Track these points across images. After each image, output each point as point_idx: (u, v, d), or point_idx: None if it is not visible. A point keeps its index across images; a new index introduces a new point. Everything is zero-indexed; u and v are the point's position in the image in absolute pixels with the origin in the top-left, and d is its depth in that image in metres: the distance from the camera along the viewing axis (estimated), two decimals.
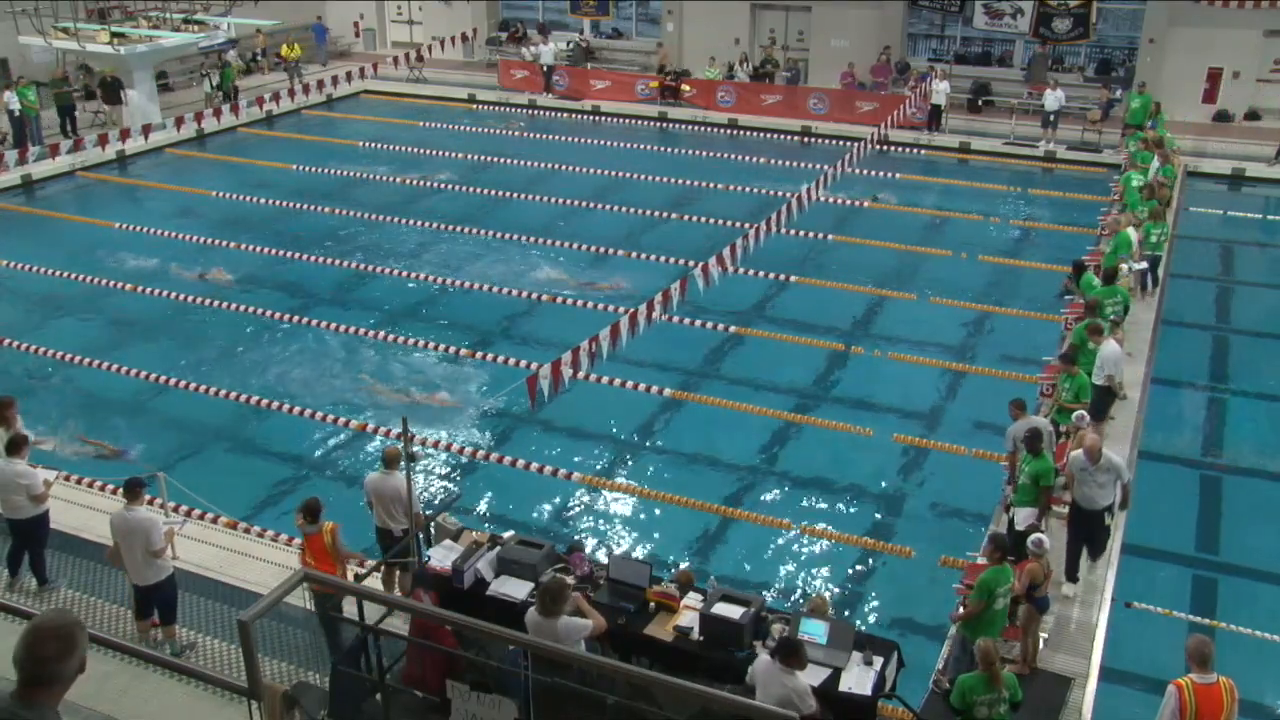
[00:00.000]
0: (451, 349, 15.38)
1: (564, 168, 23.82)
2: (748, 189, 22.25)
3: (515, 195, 22.04)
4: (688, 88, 28.39)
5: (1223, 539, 11.67)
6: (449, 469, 12.77)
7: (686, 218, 20.83)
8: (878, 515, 11.84)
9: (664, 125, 27.79)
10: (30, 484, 9.42)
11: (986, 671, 7.34)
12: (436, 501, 11.83)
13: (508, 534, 9.34)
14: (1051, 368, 12.86)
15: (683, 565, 10.47)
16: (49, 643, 3.20)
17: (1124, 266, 14.91)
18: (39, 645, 3.19)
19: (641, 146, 26.15)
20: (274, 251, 18.98)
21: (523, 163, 24.22)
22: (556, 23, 33.41)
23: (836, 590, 10.68)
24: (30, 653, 3.19)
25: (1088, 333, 12.30)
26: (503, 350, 15.38)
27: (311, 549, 8.76)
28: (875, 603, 10.53)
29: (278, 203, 21.71)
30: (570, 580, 8.42)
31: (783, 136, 26.49)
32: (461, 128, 27.40)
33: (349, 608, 7.10)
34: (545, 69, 29.21)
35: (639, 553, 10.96)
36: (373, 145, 25.55)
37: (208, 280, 17.65)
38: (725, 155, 25.08)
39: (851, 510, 11.90)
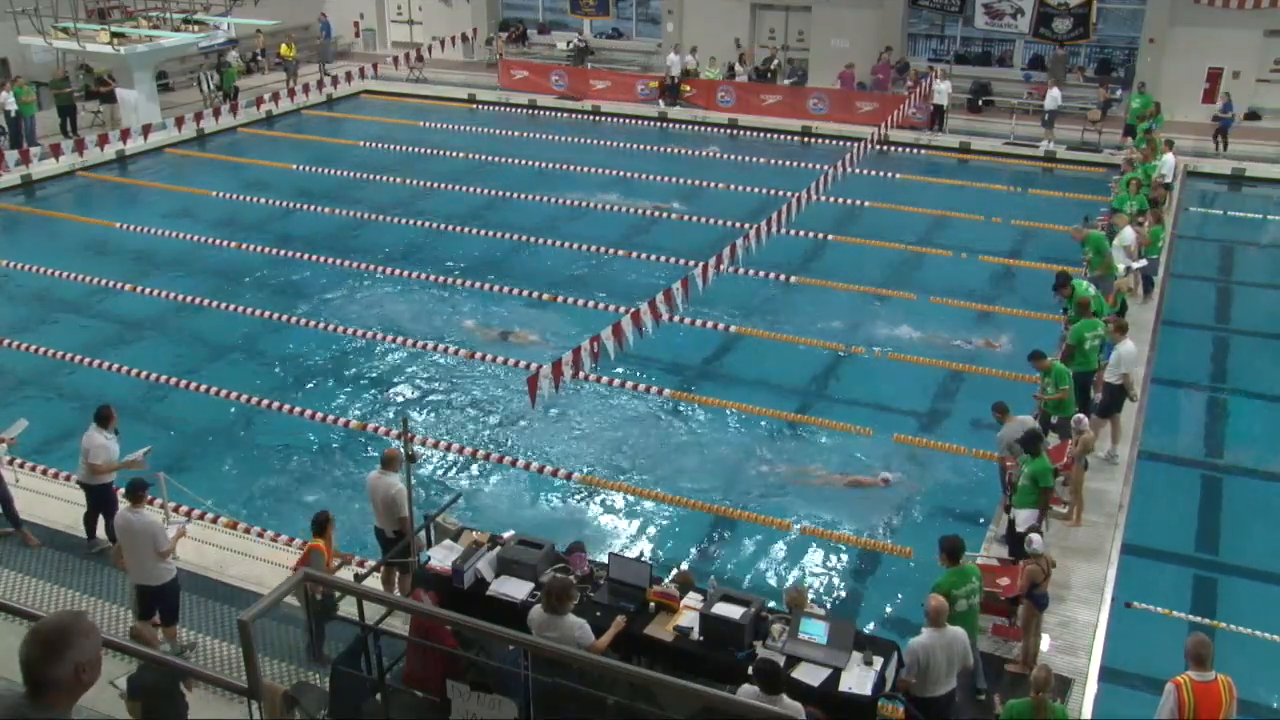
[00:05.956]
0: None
1: (564, 167, 23.81)
2: (748, 189, 22.25)
3: (515, 195, 22.06)
4: (688, 88, 28.39)
5: (1223, 539, 11.66)
6: (449, 469, 12.76)
7: (686, 218, 20.83)
8: (878, 515, 11.83)
9: (664, 125, 27.79)
10: (94, 452, 10.06)
11: (1035, 699, 7.17)
12: (428, 500, 11.81)
13: (508, 534, 9.33)
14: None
15: (683, 566, 10.50)
16: (34, 647, 3.17)
17: (1122, 266, 14.89)
18: (27, 648, 3.17)
19: (641, 146, 26.16)
20: (275, 251, 18.98)
21: (523, 162, 24.22)
22: (557, 23, 33.42)
23: (837, 590, 10.69)
24: (22, 656, 3.17)
25: (1114, 330, 12.21)
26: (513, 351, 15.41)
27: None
28: (875, 603, 10.53)
29: (277, 202, 21.73)
30: (571, 579, 8.42)
31: (783, 136, 26.49)
32: (462, 128, 27.40)
33: (348, 608, 7.09)
34: (672, 80, 28.16)
35: (639, 553, 10.95)
36: (373, 145, 25.55)
37: (511, 340, 15.67)
38: (725, 155, 25.06)
39: (852, 510, 11.89)
